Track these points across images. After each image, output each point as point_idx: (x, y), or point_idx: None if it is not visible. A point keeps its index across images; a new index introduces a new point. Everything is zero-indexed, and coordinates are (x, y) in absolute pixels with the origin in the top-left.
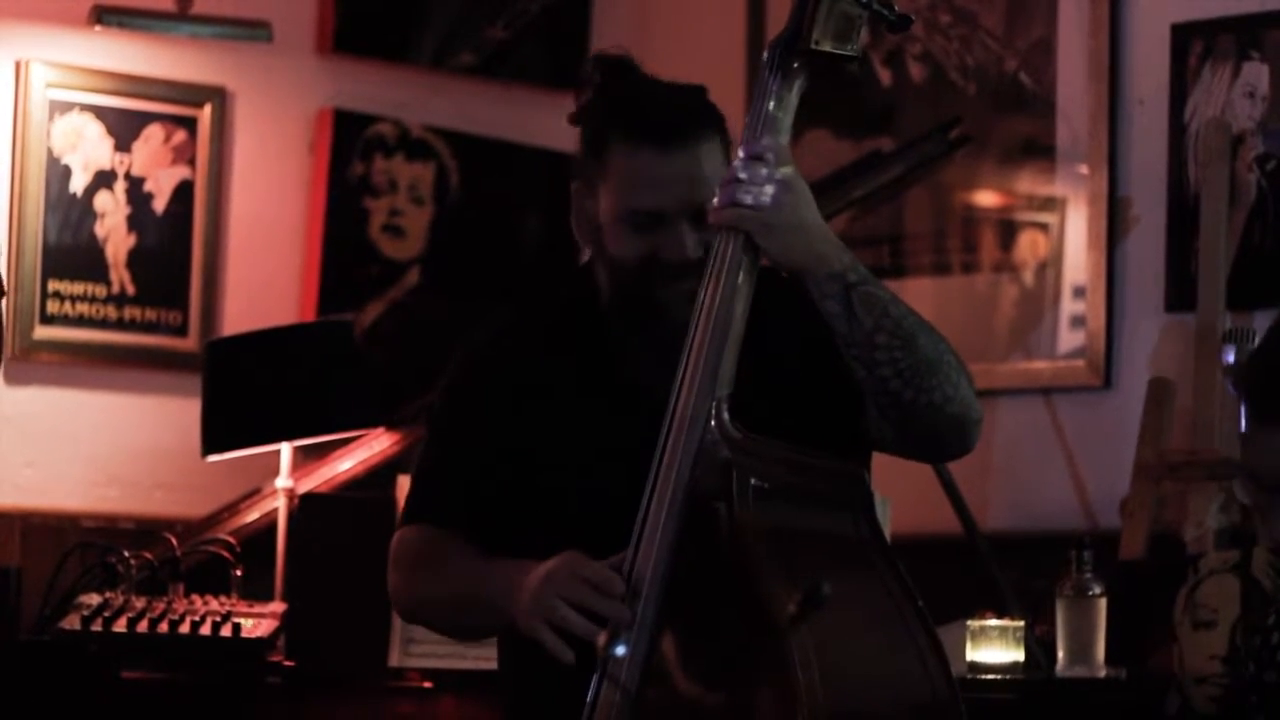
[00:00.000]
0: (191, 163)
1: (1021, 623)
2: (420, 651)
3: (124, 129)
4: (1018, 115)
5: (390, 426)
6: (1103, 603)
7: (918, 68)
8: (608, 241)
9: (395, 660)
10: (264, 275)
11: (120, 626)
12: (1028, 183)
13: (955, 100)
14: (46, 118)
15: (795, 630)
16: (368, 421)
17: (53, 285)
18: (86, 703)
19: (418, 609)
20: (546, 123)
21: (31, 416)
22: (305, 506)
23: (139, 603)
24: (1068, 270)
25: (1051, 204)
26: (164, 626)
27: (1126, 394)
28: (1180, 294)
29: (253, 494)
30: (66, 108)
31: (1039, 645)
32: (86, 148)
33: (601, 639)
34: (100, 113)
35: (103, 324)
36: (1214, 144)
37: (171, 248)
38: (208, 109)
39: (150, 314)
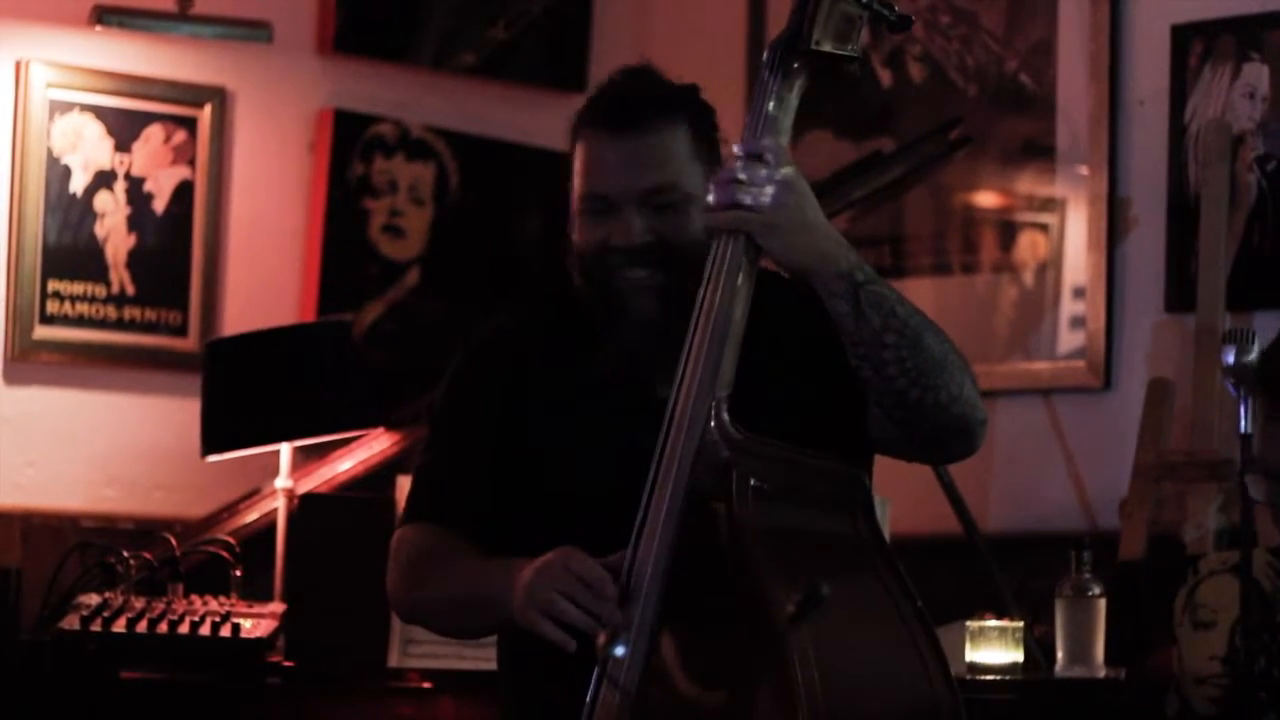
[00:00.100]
0: (191, 163)
1: (1021, 623)
2: (420, 652)
3: (124, 129)
4: (1018, 116)
5: (390, 427)
6: (1102, 603)
7: (918, 68)
8: (574, 231)
9: (394, 661)
10: (264, 275)
11: (120, 626)
12: (1028, 183)
13: (956, 101)
14: (46, 118)
15: (794, 630)
16: (367, 422)
17: (53, 285)
18: (86, 703)
19: (416, 607)
20: (547, 123)
21: (31, 416)
22: (305, 507)
23: (138, 603)
24: (1068, 271)
25: (1051, 204)
26: (163, 627)
27: (1126, 395)
28: (1180, 295)
29: (252, 494)
30: (67, 108)
31: (1038, 646)
32: (86, 148)
33: (601, 640)
34: (100, 113)
35: (103, 324)
36: (1214, 145)
37: (171, 248)
38: (208, 109)
39: (150, 314)
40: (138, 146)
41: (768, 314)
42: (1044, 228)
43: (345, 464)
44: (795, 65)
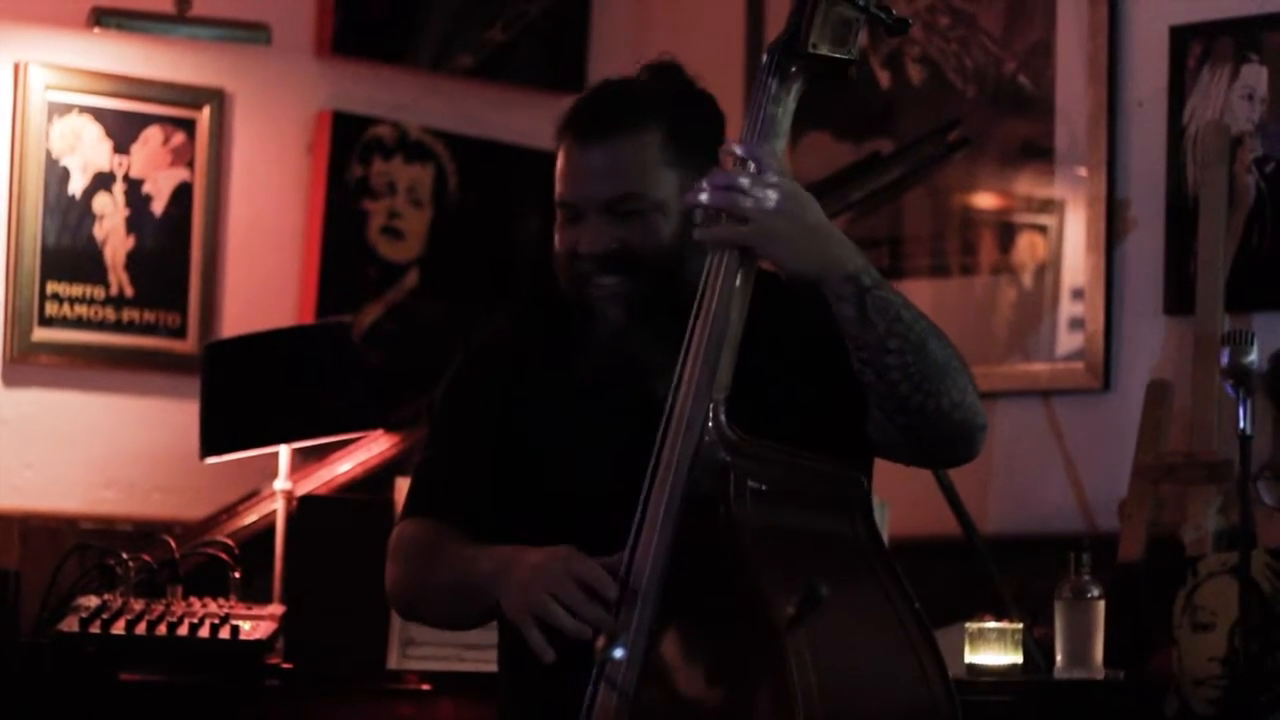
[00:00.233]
0: (190, 165)
1: (1020, 625)
2: (419, 654)
3: (123, 131)
4: (1017, 117)
5: (389, 428)
6: (1101, 605)
7: (917, 70)
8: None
9: (394, 662)
10: (262, 277)
11: (119, 629)
12: (1026, 185)
13: (954, 102)
14: (45, 119)
15: (792, 632)
16: (366, 423)
17: (51, 287)
18: (85, 705)
19: (414, 599)
20: (545, 125)
21: (30, 418)
22: (304, 508)
23: (137, 605)
24: (1066, 272)
25: (1050, 206)
26: (162, 629)
27: (1125, 396)
28: (1179, 296)
29: (251, 496)
30: (65, 110)
31: (1038, 648)
32: (85, 150)
33: (600, 642)
34: (99, 115)
35: (101, 326)
36: (1213, 146)
37: (170, 250)
38: (206, 111)
39: (149, 316)
40: (136, 148)
41: (767, 316)
42: (1043, 229)
43: (344, 466)
44: (793, 68)
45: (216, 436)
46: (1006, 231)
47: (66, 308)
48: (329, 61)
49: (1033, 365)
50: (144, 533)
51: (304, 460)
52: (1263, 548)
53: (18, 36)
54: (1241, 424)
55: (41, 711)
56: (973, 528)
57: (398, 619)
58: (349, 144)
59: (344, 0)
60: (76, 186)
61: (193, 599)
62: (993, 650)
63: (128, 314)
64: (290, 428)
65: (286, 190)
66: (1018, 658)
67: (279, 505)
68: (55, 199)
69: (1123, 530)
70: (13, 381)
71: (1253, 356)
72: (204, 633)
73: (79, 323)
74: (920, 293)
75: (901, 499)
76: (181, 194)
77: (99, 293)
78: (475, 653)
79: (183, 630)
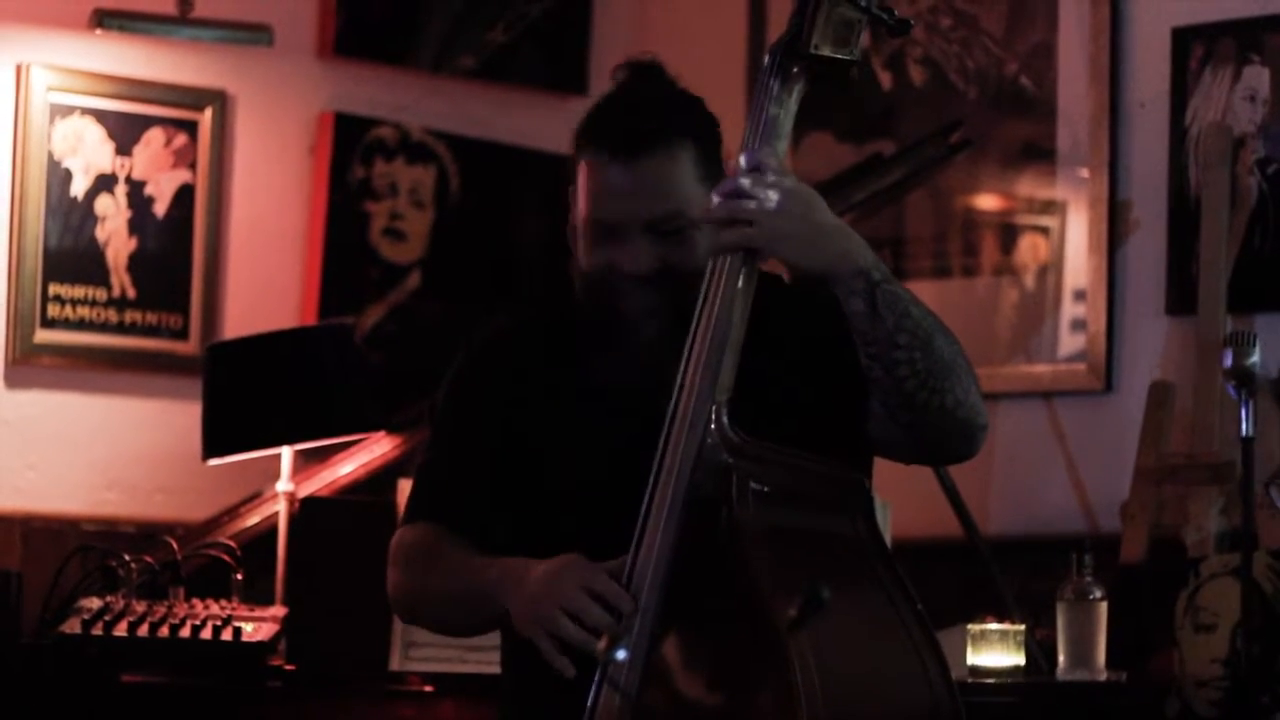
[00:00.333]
0: (192, 166)
1: (1022, 626)
2: (421, 655)
3: (125, 132)
4: (1018, 119)
5: (391, 430)
6: (1103, 606)
7: (919, 71)
8: (577, 250)
9: (396, 664)
10: (265, 279)
11: (121, 630)
12: (1028, 186)
13: (956, 103)
14: (47, 121)
15: (795, 634)
16: (368, 425)
17: (53, 289)
18: (87, 707)
19: (415, 605)
20: (547, 126)
21: (32, 420)
22: (306, 510)
23: (140, 606)
24: (1068, 273)
25: (1052, 207)
26: (164, 630)
27: (1127, 397)
28: (1181, 297)
29: (253, 498)
30: (67, 111)
31: (1040, 649)
32: (87, 151)
33: (602, 644)
34: (101, 116)
35: (103, 327)
36: (1215, 147)
37: (172, 251)
38: (208, 112)
39: (151, 317)
40: (138, 150)
41: (768, 317)
42: (1045, 230)
43: (346, 467)
44: (795, 69)
45: (219, 438)
46: (1008, 233)
47: (69, 309)
48: (331, 63)
49: (1035, 366)
50: (146, 534)
51: (306, 462)
52: (1264, 549)
53: (20, 38)
54: (1243, 425)
55: (43, 713)
56: (975, 529)
57: (400, 620)
58: (351, 145)
59: (346, 2)
60: (79, 188)
61: (195, 601)
62: (995, 651)
63: (130, 316)
64: (292, 429)
65: (288, 191)
66: (1020, 659)
67: (281, 507)
68: (57, 201)
69: (1125, 531)
70: (15, 383)
71: (1255, 358)
72: (206, 634)
73: (81, 324)
74: (922, 294)
75: (904, 500)
76: (183, 195)
77: (101, 294)
78: (477, 654)
79: (185, 632)
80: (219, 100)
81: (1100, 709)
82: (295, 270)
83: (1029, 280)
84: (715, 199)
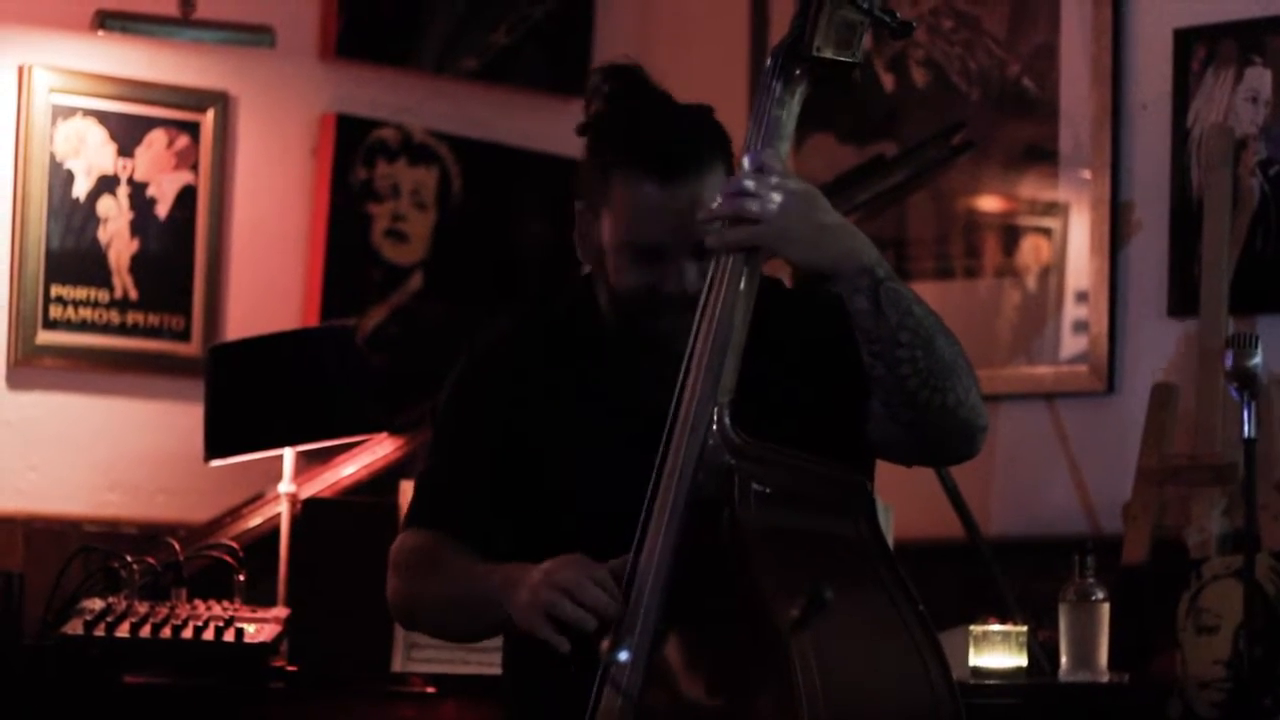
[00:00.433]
0: (194, 168)
1: (1024, 628)
2: (423, 656)
3: (127, 134)
4: (1021, 120)
5: (393, 431)
6: (1105, 608)
7: (921, 73)
8: (609, 269)
9: (398, 665)
10: (267, 280)
11: (123, 631)
12: (1030, 187)
13: (958, 105)
14: (49, 123)
15: (797, 635)
16: (370, 426)
17: (55, 290)
18: (89, 708)
19: (415, 610)
20: (549, 128)
21: (34, 421)
22: (308, 511)
23: (142, 607)
24: (1070, 275)
25: (1054, 209)
26: (167, 631)
27: (1129, 399)
28: (1183, 299)
29: (255, 499)
30: (69, 113)
31: (1042, 650)
32: (89, 153)
33: (605, 644)
34: (103, 118)
35: (105, 329)
36: (1217, 149)
37: (174, 253)
38: (210, 114)
39: (153, 319)
40: (140, 151)
41: (769, 320)
42: (1047, 232)
43: (349, 469)
44: (797, 71)
45: (221, 439)
46: (1010, 234)
47: (71, 311)
48: (333, 64)
49: (1037, 368)
50: (148, 535)
51: (308, 463)
52: (1267, 550)
53: (22, 39)
54: (1245, 427)
55: (46, 714)
56: (977, 530)
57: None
58: (353, 147)
59: (348, 3)
60: (81, 189)
61: (197, 602)
62: (997, 652)
63: (132, 317)
64: (294, 430)
65: (290, 193)
66: (1022, 660)
67: (283, 508)
68: (59, 202)
69: (1127, 533)
70: (17, 384)
71: (1257, 359)
72: (208, 635)
73: (83, 326)
74: (924, 295)
75: (906, 501)
76: (186, 197)
77: (103, 296)
78: (479, 655)
79: (187, 633)
80: (221, 102)
81: (1102, 710)
82: (297, 272)
83: (1031, 282)
84: (719, 198)
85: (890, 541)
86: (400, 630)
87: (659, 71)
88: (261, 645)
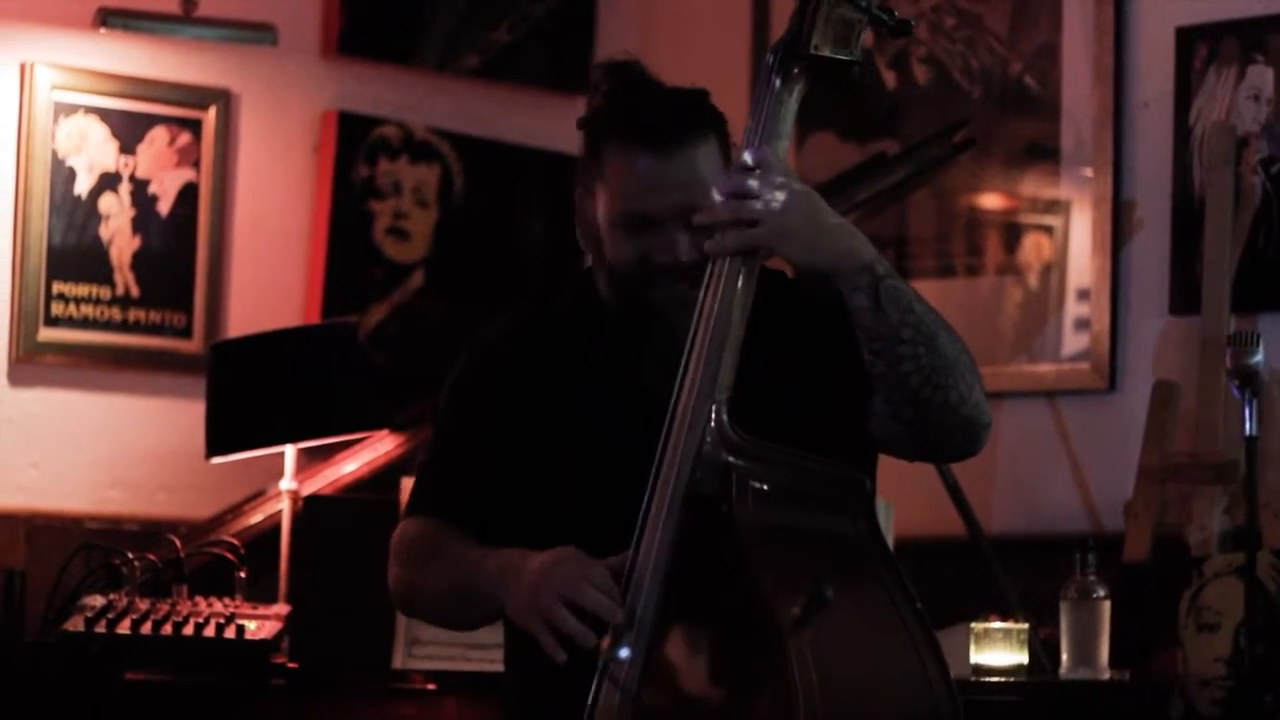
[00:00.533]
0: (196, 165)
1: (1025, 625)
2: (424, 653)
3: (129, 131)
4: (1022, 118)
5: (394, 429)
6: (1107, 605)
7: (923, 70)
8: (605, 245)
9: (399, 662)
10: (268, 277)
11: (124, 628)
12: (1032, 186)
13: (960, 103)
14: (51, 120)
15: (797, 633)
16: (372, 424)
17: (57, 287)
18: (90, 704)
19: (414, 598)
20: (551, 125)
21: (36, 418)
22: (309, 508)
23: (143, 604)
24: (1072, 273)
25: (1056, 207)
26: (168, 628)
27: (1131, 397)
28: (1185, 297)
29: (257, 496)
30: (71, 110)
31: (1043, 648)
32: (91, 150)
33: (605, 642)
34: (105, 115)
35: (107, 326)
36: (1219, 147)
37: (176, 250)
38: (212, 111)
39: (155, 316)
40: (142, 149)
41: (768, 317)
42: (1048, 230)
43: (350, 466)
44: (795, 69)
45: (222, 436)
46: (1012, 232)
47: (72, 308)
48: (335, 62)
49: (1038, 366)
50: (149, 532)
51: (309, 460)
52: (1268, 548)
53: (24, 37)
54: (1247, 425)
55: (47, 711)
56: (978, 528)
57: (403, 618)
58: (355, 144)
59: (350, 1)
60: (82, 187)
61: (198, 598)
62: (998, 650)
63: (133, 314)
64: (296, 428)
65: (292, 190)
66: (1023, 658)
67: (284, 505)
68: (61, 199)
69: (1128, 531)
70: (18, 381)
71: (1258, 357)
72: (209, 632)
73: (85, 323)
74: (926, 293)
75: (907, 499)
76: (187, 194)
77: (105, 293)
78: (480, 652)
79: (188, 630)
80: (223, 99)
81: (1103, 708)
82: (299, 269)
83: (1033, 280)
84: (718, 198)
85: (891, 539)
86: (401, 627)
87: (660, 68)
88: (262, 642)
